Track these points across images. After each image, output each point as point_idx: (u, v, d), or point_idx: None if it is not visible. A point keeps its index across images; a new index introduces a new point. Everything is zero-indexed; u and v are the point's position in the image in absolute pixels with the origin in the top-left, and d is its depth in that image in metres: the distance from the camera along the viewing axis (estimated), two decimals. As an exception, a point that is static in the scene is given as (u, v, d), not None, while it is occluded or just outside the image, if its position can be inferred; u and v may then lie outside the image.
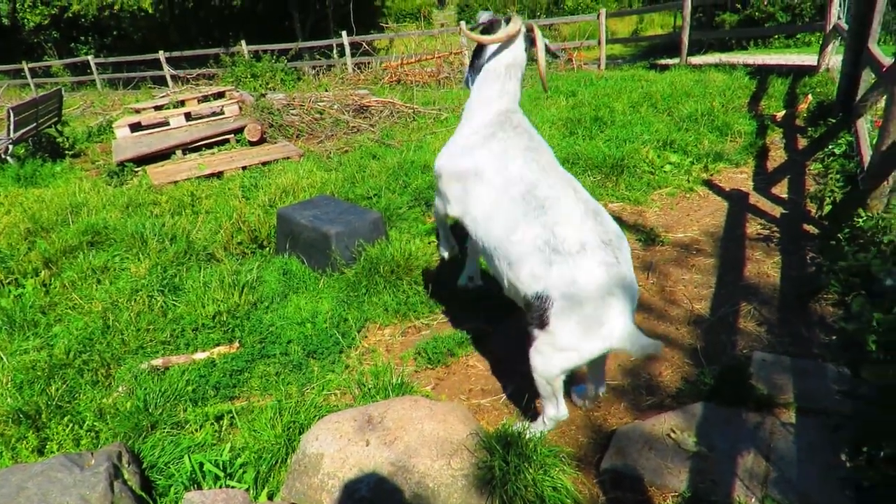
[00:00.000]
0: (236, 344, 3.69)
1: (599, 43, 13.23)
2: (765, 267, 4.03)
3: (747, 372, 2.95)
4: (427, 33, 16.07)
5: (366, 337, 3.79)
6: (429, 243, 4.87)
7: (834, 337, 3.22)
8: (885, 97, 3.96)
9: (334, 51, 17.08)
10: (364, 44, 15.63)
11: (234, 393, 3.32)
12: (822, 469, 2.38)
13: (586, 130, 7.16)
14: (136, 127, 9.86)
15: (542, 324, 2.30)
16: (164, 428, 2.95)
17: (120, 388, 3.34)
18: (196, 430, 2.96)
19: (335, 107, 9.67)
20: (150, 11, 21.48)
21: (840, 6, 8.49)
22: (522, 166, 2.59)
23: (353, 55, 15.86)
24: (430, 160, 6.65)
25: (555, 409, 2.56)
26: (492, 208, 2.59)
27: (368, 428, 2.47)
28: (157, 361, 3.53)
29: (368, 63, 14.89)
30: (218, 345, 3.70)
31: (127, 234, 5.20)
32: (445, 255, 3.48)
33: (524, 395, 3.09)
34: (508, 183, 2.56)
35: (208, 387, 3.30)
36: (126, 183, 7.79)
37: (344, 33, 15.87)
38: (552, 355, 2.34)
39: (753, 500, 2.29)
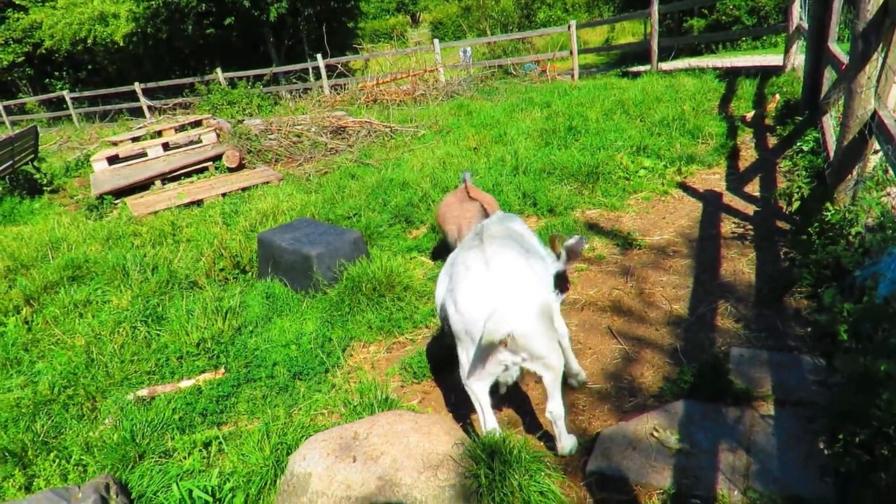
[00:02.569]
0: (222, 370, 3.70)
1: (572, 54, 13.43)
2: (740, 264, 4.11)
3: (725, 368, 3.01)
4: (401, 52, 16.22)
5: (351, 355, 3.81)
6: (410, 259, 4.92)
7: (808, 329, 3.30)
8: (844, 94, 4.09)
9: (310, 74, 17.19)
10: (339, 65, 15.75)
11: (222, 418, 3.32)
12: (801, 458, 2.44)
13: (561, 140, 7.26)
14: (113, 159, 9.84)
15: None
16: (152, 457, 2.95)
17: (106, 421, 3.34)
18: (184, 458, 2.97)
19: (313, 129, 9.73)
20: (122, 44, 21.49)
21: (801, 7, 8.71)
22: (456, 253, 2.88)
23: (329, 77, 15.97)
24: (409, 177, 6.72)
25: (482, 423, 2.59)
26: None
27: (355, 444, 2.49)
28: (143, 392, 3.52)
29: (345, 84, 14.99)
30: (203, 372, 3.70)
31: (108, 266, 5.20)
32: None
33: (509, 403, 3.14)
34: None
35: (195, 414, 3.30)
36: (106, 216, 7.77)
37: (319, 56, 15.98)
38: (461, 359, 2.53)
39: (736, 492, 2.34)
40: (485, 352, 2.39)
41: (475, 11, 25.88)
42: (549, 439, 2.83)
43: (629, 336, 3.55)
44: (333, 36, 20.26)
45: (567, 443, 2.70)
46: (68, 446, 3.14)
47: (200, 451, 3.01)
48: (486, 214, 3.94)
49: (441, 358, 3.51)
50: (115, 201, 8.29)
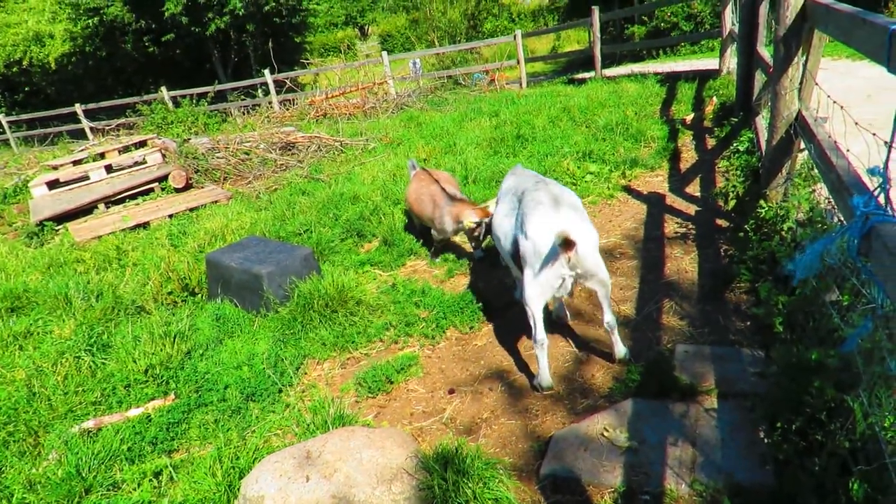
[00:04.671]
0: (171, 396, 3.61)
1: (519, 62, 13.65)
2: (683, 263, 4.24)
3: (671, 364, 3.10)
4: (350, 65, 16.20)
5: (305, 373, 3.77)
6: (363, 273, 4.91)
7: (748, 322, 3.42)
8: (771, 96, 4.27)
9: (259, 90, 17.00)
10: (288, 81, 15.63)
11: (173, 446, 3.24)
12: (744, 448, 2.52)
13: (509, 148, 7.37)
14: (53, 184, 9.52)
15: None
16: (100, 490, 2.86)
17: (50, 456, 3.22)
18: (133, 489, 2.88)
19: (261, 146, 9.62)
20: (61, 64, 20.87)
21: (733, 13, 9.06)
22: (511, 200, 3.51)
23: (277, 93, 15.82)
24: (360, 191, 6.71)
25: (534, 334, 3.11)
26: None
27: (308, 463, 2.47)
28: (89, 423, 3.41)
29: (294, 100, 14.89)
30: (152, 399, 3.61)
31: (49, 295, 5.03)
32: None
33: (464, 413, 3.16)
34: None
35: (144, 443, 3.22)
36: (47, 243, 7.52)
37: (266, 72, 15.82)
38: (527, 280, 3.10)
39: (683, 485, 2.40)
40: (550, 262, 2.87)
41: (423, 23, 26.04)
42: (504, 446, 2.86)
43: (580, 338, 3.62)
44: (281, 51, 20.13)
45: (621, 349, 3.28)
46: (9, 485, 3.01)
47: (151, 480, 2.93)
48: (442, 189, 4.81)
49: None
50: (57, 227, 8.01)
